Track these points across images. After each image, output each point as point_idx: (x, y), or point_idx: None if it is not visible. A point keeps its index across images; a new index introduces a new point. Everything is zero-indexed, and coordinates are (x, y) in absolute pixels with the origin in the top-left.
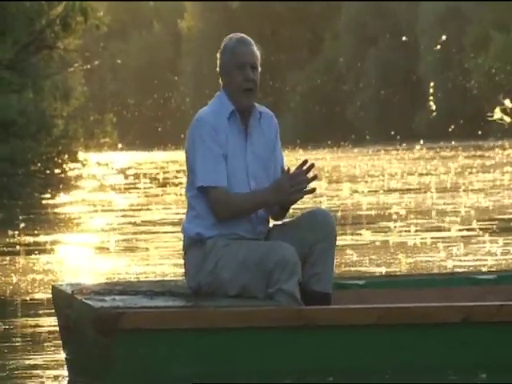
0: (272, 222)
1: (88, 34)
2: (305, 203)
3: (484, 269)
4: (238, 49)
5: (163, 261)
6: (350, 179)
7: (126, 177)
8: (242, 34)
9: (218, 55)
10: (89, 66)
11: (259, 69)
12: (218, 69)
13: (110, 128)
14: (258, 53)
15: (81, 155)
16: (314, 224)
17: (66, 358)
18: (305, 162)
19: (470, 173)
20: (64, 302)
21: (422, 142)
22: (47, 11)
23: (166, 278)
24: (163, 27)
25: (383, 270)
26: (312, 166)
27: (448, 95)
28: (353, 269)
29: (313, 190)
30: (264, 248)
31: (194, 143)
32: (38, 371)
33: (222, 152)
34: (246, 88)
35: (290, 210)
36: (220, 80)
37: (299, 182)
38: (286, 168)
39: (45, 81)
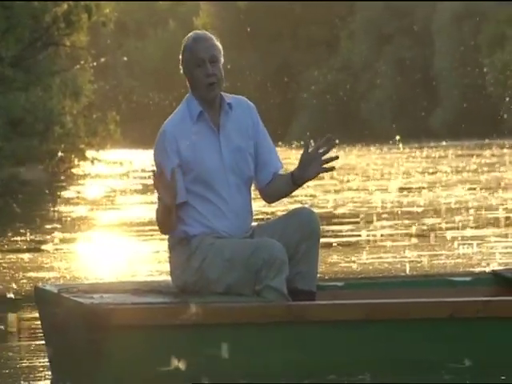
0: (256, 222)
1: (102, 32)
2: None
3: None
4: (195, 46)
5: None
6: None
7: (132, 174)
8: (199, 31)
9: (180, 57)
10: (95, 64)
11: (221, 60)
12: (181, 71)
13: (113, 126)
14: (217, 45)
15: (89, 153)
16: (299, 223)
17: (50, 360)
18: (328, 139)
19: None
20: (50, 301)
21: (445, 141)
22: (51, 9)
23: (149, 279)
24: (179, 25)
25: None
26: (333, 143)
27: (463, 94)
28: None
29: (332, 169)
30: (251, 246)
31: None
32: (21, 373)
33: (179, 161)
34: (209, 83)
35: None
36: (187, 82)
37: (316, 157)
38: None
39: (53, 78)
